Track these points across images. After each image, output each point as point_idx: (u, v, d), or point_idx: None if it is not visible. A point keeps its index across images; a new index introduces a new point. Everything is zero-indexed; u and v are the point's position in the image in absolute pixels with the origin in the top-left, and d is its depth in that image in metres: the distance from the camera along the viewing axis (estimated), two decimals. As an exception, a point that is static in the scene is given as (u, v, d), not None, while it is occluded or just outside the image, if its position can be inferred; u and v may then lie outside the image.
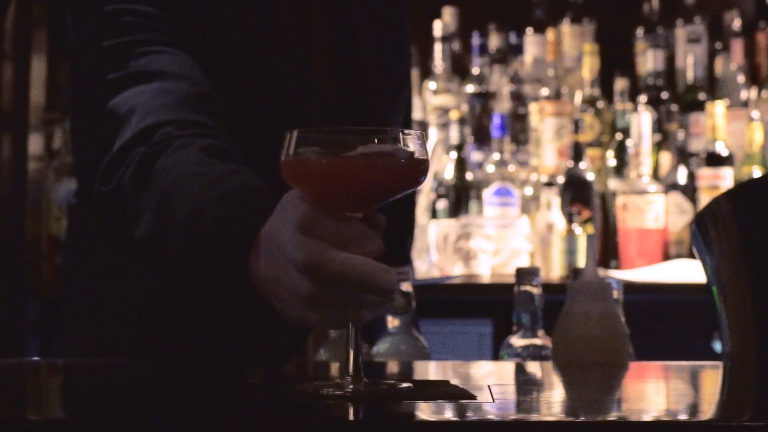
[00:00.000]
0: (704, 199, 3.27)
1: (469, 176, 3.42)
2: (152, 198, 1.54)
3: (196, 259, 1.44)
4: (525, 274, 1.77)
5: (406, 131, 1.26)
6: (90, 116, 1.85)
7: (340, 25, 1.97)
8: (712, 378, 1.63)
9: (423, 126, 3.52)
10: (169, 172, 1.54)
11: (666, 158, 3.43)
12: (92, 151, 1.92)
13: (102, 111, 1.70)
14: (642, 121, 3.30)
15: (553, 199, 3.30)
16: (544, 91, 3.53)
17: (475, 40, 3.61)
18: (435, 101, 3.57)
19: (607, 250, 3.37)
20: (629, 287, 1.93)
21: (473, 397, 1.26)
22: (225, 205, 1.43)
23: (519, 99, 3.55)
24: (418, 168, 1.26)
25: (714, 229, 1.70)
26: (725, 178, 3.30)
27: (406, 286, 1.79)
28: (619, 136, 3.45)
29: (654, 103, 3.50)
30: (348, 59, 1.97)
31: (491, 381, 1.51)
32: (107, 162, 1.63)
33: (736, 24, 3.58)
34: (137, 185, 1.57)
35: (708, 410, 1.33)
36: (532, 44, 3.63)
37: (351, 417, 1.18)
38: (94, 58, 1.75)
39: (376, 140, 1.24)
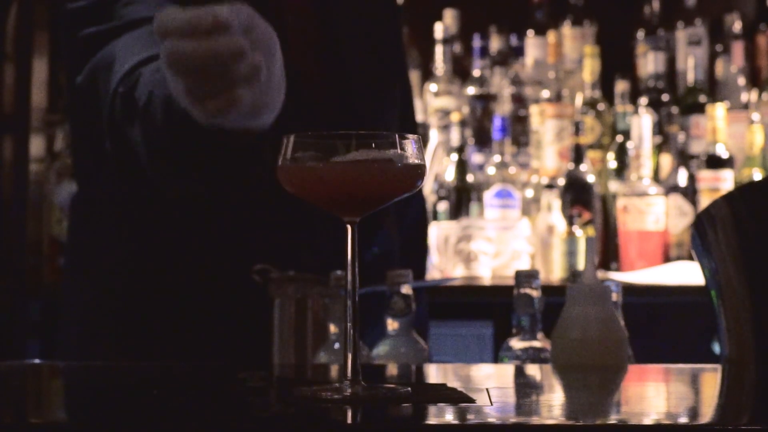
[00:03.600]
0: (704, 201, 3.27)
1: (469, 178, 3.42)
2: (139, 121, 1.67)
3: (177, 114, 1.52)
4: (524, 277, 1.77)
5: (403, 135, 1.26)
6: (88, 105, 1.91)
7: (319, 17, 1.98)
8: (711, 381, 1.63)
9: (424, 128, 3.52)
10: (144, 87, 1.65)
11: (666, 160, 3.43)
12: (91, 149, 1.94)
13: (90, 64, 1.81)
14: (642, 123, 3.30)
15: (553, 201, 3.30)
16: (545, 93, 3.53)
17: (476, 42, 3.61)
18: (436, 103, 3.58)
19: (608, 252, 3.38)
20: (629, 289, 1.93)
21: (471, 401, 1.26)
22: None
23: (520, 101, 3.55)
24: (415, 172, 1.27)
25: (713, 232, 1.70)
26: (726, 181, 3.30)
27: (405, 289, 1.79)
28: (619, 138, 3.45)
29: (654, 105, 3.50)
30: (330, 51, 1.98)
31: (490, 384, 1.52)
32: (107, 116, 1.74)
33: (737, 26, 3.58)
34: (128, 119, 1.68)
35: (707, 413, 1.34)
36: (533, 46, 3.63)
37: (349, 421, 1.19)
38: (78, 21, 1.84)
39: (373, 144, 1.25)
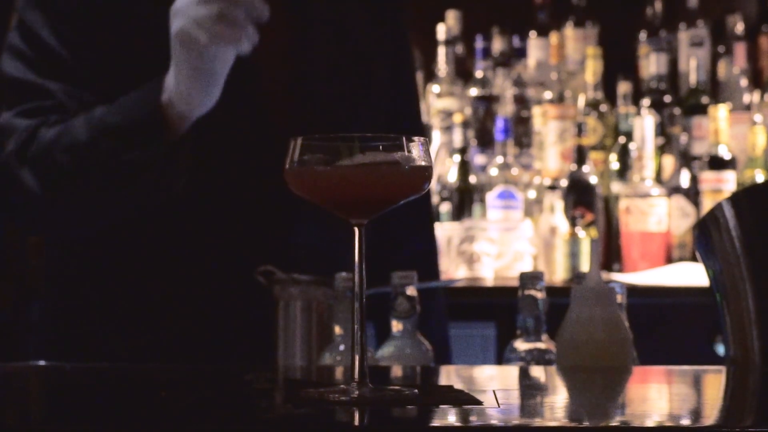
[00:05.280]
0: (707, 202, 3.27)
1: (472, 179, 3.43)
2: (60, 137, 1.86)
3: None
4: (528, 279, 1.78)
5: (410, 137, 1.27)
6: None
7: (291, 25, 1.98)
8: (715, 382, 1.64)
9: (426, 129, 3.52)
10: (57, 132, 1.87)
11: (669, 162, 3.43)
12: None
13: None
14: (645, 124, 3.30)
15: (556, 202, 3.30)
16: (548, 95, 3.54)
17: (479, 43, 3.61)
18: (438, 104, 3.58)
19: (610, 253, 3.38)
20: (632, 290, 1.94)
21: (479, 403, 1.26)
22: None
23: (522, 102, 3.55)
24: (422, 175, 1.27)
25: (717, 234, 1.70)
26: (728, 182, 3.31)
27: (410, 290, 1.79)
28: (622, 139, 3.45)
29: (657, 106, 3.51)
30: (299, 58, 1.98)
31: (496, 385, 1.52)
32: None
33: (739, 28, 3.58)
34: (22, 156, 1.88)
35: (711, 415, 1.34)
36: (535, 48, 3.64)
37: (356, 423, 1.19)
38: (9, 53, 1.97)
39: (380, 147, 1.25)
